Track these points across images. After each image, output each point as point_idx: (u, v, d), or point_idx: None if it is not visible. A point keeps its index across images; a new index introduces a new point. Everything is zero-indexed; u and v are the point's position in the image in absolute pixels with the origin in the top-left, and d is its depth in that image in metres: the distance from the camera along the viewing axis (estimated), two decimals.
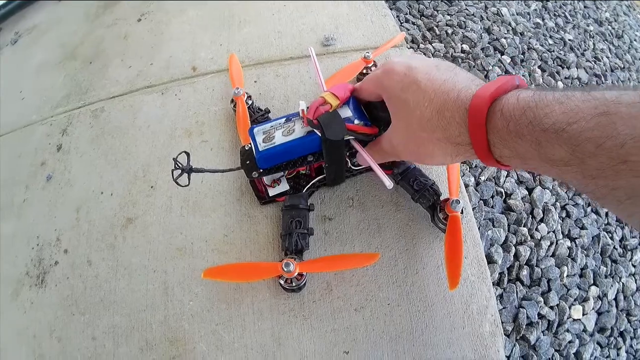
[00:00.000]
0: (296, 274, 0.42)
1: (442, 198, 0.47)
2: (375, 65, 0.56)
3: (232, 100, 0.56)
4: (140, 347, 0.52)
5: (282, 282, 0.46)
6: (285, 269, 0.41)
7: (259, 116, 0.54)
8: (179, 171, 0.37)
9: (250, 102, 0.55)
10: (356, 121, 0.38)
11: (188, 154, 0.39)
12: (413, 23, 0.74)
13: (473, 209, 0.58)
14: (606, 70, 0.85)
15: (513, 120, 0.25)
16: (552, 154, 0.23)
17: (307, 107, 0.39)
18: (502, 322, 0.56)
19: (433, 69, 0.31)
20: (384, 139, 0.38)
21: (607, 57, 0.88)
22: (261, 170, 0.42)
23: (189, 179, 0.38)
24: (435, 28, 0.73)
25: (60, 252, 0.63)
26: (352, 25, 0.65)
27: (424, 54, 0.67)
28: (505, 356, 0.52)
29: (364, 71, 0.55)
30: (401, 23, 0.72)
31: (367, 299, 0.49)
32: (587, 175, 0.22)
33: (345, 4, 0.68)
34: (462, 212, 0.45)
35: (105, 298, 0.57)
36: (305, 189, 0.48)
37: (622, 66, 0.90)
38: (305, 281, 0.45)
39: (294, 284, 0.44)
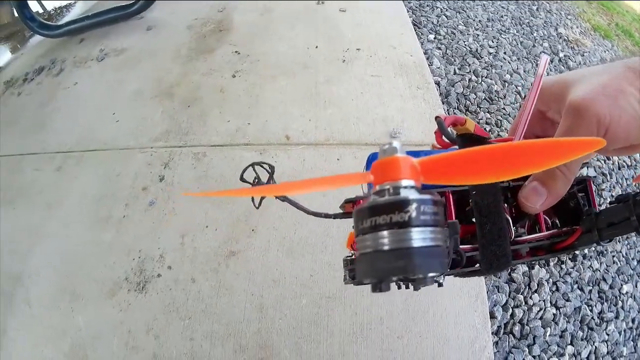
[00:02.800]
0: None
1: None
2: None
3: None
4: (234, 350, 0.94)
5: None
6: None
7: None
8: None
9: None
10: None
11: (272, 169, 0.38)
12: None
13: (485, 278, 1.03)
14: (613, 169, 1.32)
15: None
16: None
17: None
18: None
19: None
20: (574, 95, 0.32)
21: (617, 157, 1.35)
22: None
23: (260, 201, 0.37)
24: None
25: (164, 268, 1.04)
26: (415, 121, 1.09)
27: None
28: None
29: None
30: None
31: (406, 330, 0.92)
32: None
33: (410, 100, 1.12)
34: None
35: (206, 310, 0.98)
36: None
37: (629, 164, 1.38)
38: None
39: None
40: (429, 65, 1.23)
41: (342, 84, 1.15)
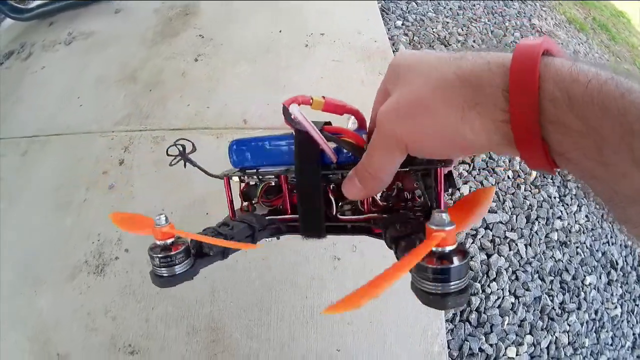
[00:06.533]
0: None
1: None
2: None
3: None
4: (187, 331, 0.94)
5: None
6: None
7: None
8: (176, 156, 0.43)
9: None
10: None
11: (193, 144, 0.45)
12: None
13: None
14: None
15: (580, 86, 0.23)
16: None
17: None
18: (450, 349, 1.00)
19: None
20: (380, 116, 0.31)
21: None
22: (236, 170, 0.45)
23: (185, 165, 0.44)
24: None
25: (121, 251, 1.04)
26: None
27: None
28: None
29: None
30: None
31: (356, 316, 0.92)
32: None
33: (370, 85, 1.11)
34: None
35: (161, 292, 0.98)
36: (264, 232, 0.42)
37: None
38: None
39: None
40: (394, 51, 1.22)
41: (303, 68, 1.14)
